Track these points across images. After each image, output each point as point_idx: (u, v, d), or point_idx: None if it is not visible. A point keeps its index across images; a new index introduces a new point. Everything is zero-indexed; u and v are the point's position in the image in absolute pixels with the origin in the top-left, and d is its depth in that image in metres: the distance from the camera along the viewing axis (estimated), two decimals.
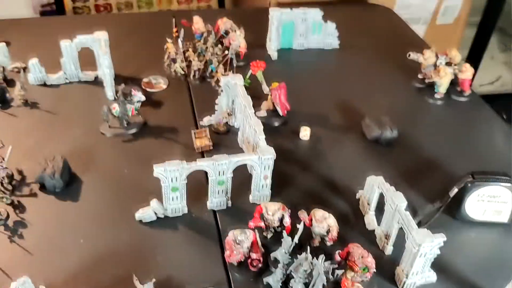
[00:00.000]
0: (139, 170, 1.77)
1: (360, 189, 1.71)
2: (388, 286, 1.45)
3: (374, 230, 1.60)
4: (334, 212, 1.55)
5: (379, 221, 1.59)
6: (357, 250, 1.38)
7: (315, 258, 1.34)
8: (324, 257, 1.32)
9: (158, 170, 1.50)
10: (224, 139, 1.95)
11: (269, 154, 1.58)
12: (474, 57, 4.00)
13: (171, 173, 1.51)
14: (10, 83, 2.16)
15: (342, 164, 1.88)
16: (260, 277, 1.44)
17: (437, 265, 1.47)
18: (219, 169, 1.56)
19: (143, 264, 1.47)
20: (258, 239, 1.45)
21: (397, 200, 1.44)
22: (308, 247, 1.39)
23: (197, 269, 1.46)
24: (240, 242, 1.41)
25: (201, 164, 1.54)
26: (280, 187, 1.73)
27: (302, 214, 1.48)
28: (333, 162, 1.89)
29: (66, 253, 1.49)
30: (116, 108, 1.90)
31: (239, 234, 1.41)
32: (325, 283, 1.33)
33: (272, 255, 1.46)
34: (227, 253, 1.42)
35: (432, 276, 1.45)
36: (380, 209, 1.60)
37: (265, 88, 2.09)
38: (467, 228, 1.65)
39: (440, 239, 1.34)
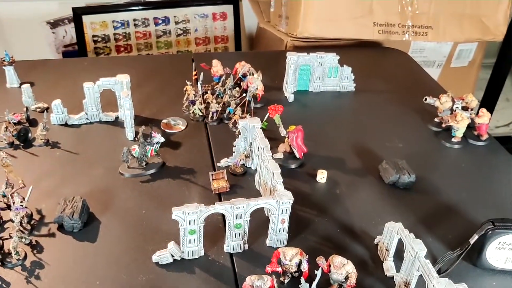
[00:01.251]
0: (156, 212, 1.78)
1: (378, 235, 1.69)
2: None
3: (393, 277, 1.57)
4: (352, 258, 1.53)
5: (398, 268, 1.57)
6: None
7: None
8: None
9: (177, 213, 1.51)
10: (241, 181, 1.95)
11: (287, 198, 1.58)
12: (489, 99, 4.01)
13: (189, 216, 1.52)
14: (33, 123, 2.22)
15: (359, 208, 1.87)
16: None
17: None
18: (237, 212, 1.56)
19: None
20: (276, 285, 1.43)
21: (417, 248, 1.42)
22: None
23: None
24: (257, 287, 1.39)
25: (219, 207, 1.54)
26: (297, 230, 1.72)
27: (320, 260, 1.47)
28: (350, 206, 1.88)
29: None
30: (136, 149, 1.93)
31: (257, 279, 1.39)
32: None
33: None
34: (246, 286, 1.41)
35: None
36: (399, 255, 1.58)
37: (282, 131, 2.11)
38: (488, 276, 1.62)
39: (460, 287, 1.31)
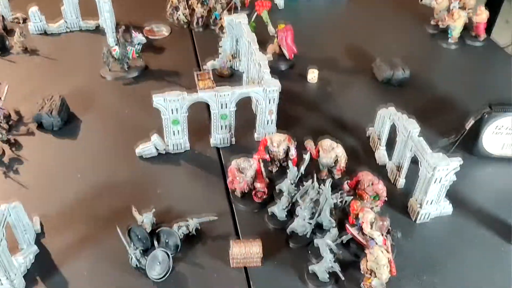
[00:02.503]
0: (140, 111, 1.71)
1: (370, 127, 1.63)
2: (400, 218, 1.38)
3: (385, 165, 1.52)
4: (345, 150, 1.48)
5: (390, 157, 1.51)
6: (367, 177, 1.31)
7: (322, 184, 1.27)
8: (331, 181, 1.25)
9: (158, 100, 1.44)
10: (228, 83, 1.86)
11: (274, 86, 1.50)
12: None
13: (171, 104, 1.44)
14: (11, 33, 2.10)
15: (351, 105, 1.79)
16: (264, 208, 1.37)
17: (453, 198, 1.40)
18: (222, 101, 1.48)
19: (142, 197, 1.40)
20: (263, 168, 1.38)
21: (410, 127, 1.36)
22: (315, 175, 1.31)
23: (199, 201, 1.40)
24: (243, 170, 1.33)
25: (203, 95, 1.47)
26: (287, 127, 1.65)
27: (309, 144, 1.41)
28: (343, 103, 1.81)
29: (62, 187, 1.43)
30: (116, 49, 1.84)
31: (242, 162, 1.33)
32: (333, 208, 1.26)
33: (278, 186, 1.39)
34: (229, 179, 1.35)
35: (448, 208, 1.37)
36: (390, 146, 1.52)
37: (271, 30, 2.01)
38: (484, 164, 1.56)
39: (456, 162, 1.26)
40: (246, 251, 1.20)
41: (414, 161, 1.39)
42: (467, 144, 1.56)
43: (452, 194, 1.38)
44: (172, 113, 1.46)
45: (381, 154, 1.53)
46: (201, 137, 1.60)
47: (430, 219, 1.36)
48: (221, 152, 1.57)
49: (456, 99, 1.83)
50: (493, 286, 1.22)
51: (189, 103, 1.46)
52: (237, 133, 1.60)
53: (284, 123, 1.64)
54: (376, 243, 1.19)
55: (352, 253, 1.27)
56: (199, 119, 1.65)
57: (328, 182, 1.24)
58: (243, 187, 1.35)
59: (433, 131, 1.66)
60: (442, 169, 1.24)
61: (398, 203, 1.41)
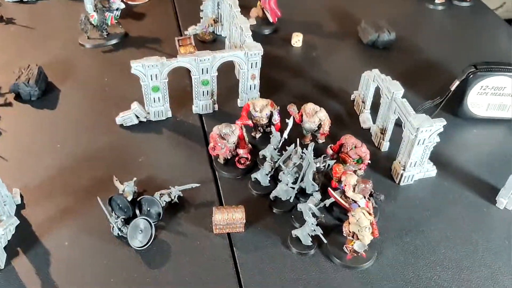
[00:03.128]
0: (120, 79, 1.67)
1: (355, 91, 1.61)
2: (384, 181, 1.37)
3: (369, 129, 1.51)
4: (329, 114, 1.46)
5: (374, 120, 1.49)
6: (349, 140, 1.29)
7: (305, 149, 1.26)
8: (314, 145, 1.23)
9: (136, 66, 1.40)
10: (211, 48, 1.82)
11: (256, 50, 1.47)
12: None
13: (150, 70, 1.40)
14: None
15: (336, 69, 1.77)
16: (248, 175, 1.36)
17: (437, 161, 1.39)
18: (202, 66, 1.45)
19: (124, 166, 1.38)
20: (245, 133, 1.36)
21: (393, 88, 1.34)
22: (298, 140, 1.30)
23: (182, 169, 1.38)
24: (225, 135, 1.31)
25: (182, 60, 1.43)
26: (270, 92, 1.63)
27: (292, 108, 1.39)
28: (327, 67, 1.78)
29: (41, 158, 1.40)
30: (94, 16, 1.78)
31: (224, 128, 1.31)
32: (316, 172, 1.25)
33: (261, 152, 1.37)
34: (210, 145, 1.33)
35: (431, 170, 1.37)
36: (375, 109, 1.51)
37: None
38: (469, 125, 1.56)
39: (439, 123, 1.24)
40: (229, 217, 1.19)
41: (398, 124, 1.38)
42: (452, 106, 1.55)
43: (436, 156, 1.38)
44: (152, 79, 1.43)
45: (365, 118, 1.52)
46: (183, 104, 1.57)
47: (414, 182, 1.36)
48: (203, 119, 1.54)
49: (442, 61, 1.81)
50: (476, 246, 1.22)
51: (168, 69, 1.43)
52: (220, 100, 1.58)
53: (267, 88, 1.61)
54: (359, 206, 1.18)
55: (335, 217, 1.27)
56: (181, 85, 1.62)
57: (311, 146, 1.22)
58: (225, 154, 1.33)
59: (418, 94, 1.64)
60: (425, 130, 1.23)
61: (382, 166, 1.40)
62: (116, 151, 1.43)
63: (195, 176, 1.35)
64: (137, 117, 1.49)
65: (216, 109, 1.56)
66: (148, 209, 1.24)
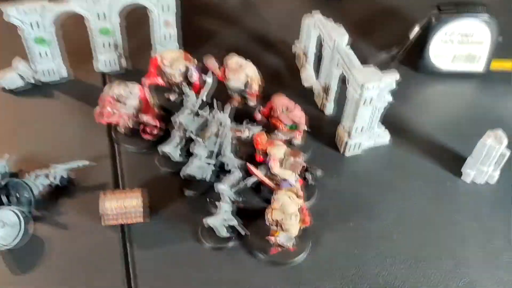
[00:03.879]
0: None
1: (297, 42, 1.33)
2: (327, 151, 1.11)
3: (312, 88, 1.24)
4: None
5: (318, 76, 1.23)
6: (280, 101, 1.02)
7: (221, 112, 0.98)
8: (230, 108, 0.95)
9: (11, 12, 1.08)
10: None
11: None
12: None
13: (29, 17, 1.09)
14: None
15: (279, 19, 1.47)
16: (156, 146, 1.08)
17: (392, 125, 1.14)
18: (99, 10, 1.14)
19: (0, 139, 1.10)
20: (149, 94, 1.07)
21: (335, 34, 1.06)
22: (216, 101, 1.02)
23: (73, 143, 1.10)
24: (120, 98, 1.02)
25: (73, 4, 1.12)
26: (196, 45, 1.33)
27: (209, 62, 1.10)
28: (268, 16, 1.48)
29: None
30: None
31: (117, 87, 1.02)
32: (237, 143, 0.98)
33: (173, 118, 1.09)
34: (97, 110, 1.04)
35: (384, 136, 1.11)
36: (319, 64, 1.23)
37: None
38: (432, 81, 1.30)
39: (391, 77, 0.98)
40: (120, 205, 0.92)
41: (345, 81, 1.11)
42: (412, 58, 1.29)
43: (390, 120, 1.13)
44: (33, 28, 1.12)
45: (307, 74, 1.24)
46: (83, 60, 1.28)
47: (362, 151, 1.11)
48: (107, 80, 1.25)
49: (401, 5, 1.53)
50: (437, 231, 0.99)
51: (55, 15, 1.12)
52: (133, 56, 1.28)
53: (192, 40, 1.32)
54: (291, 185, 0.93)
55: (264, 199, 1.01)
56: (81, 37, 1.30)
57: (227, 109, 0.95)
58: (122, 121, 1.05)
59: (372, 44, 1.37)
60: (371, 87, 0.96)
61: (326, 133, 1.15)
62: None
63: (89, 151, 1.07)
64: (22, 77, 1.19)
65: (126, 65, 1.27)
66: (18, 195, 0.96)
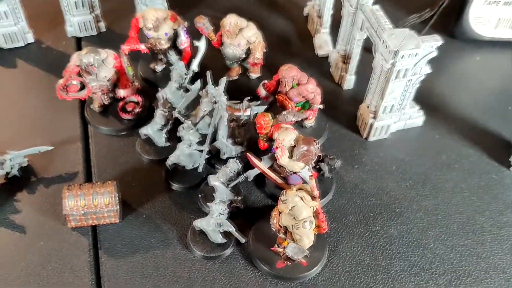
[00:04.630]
0: None
1: (309, 2, 1.12)
2: (345, 135, 0.92)
3: (327, 57, 1.03)
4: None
5: (335, 43, 1.02)
6: (289, 73, 0.82)
7: (215, 87, 0.78)
8: (227, 81, 0.75)
9: None
10: None
11: None
12: None
13: None
14: None
15: None
16: (137, 128, 0.89)
17: (424, 104, 0.95)
18: None
19: None
20: (127, 65, 0.87)
21: None
22: (209, 74, 0.82)
23: (36, 123, 0.91)
24: (88, 67, 0.82)
25: None
26: (186, 4, 1.14)
27: (201, 22, 0.89)
28: None
29: None
30: None
31: (86, 55, 0.81)
32: (234, 125, 0.78)
33: (160, 94, 0.90)
34: (59, 83, 0.84)
35: (417, 117, 0.91)
36: (337, 28, 1.03)
37: None
38: (471, 51, 1.11)
39: (432, 43, 0.77)
40: (88, 203, 0.74)
41: (368, 49, 0.91)
42: (447, 22, 1.09)
43: (423, 98, 0.92)
44: None
45: (322, 40, 1.04)
46: (53, 23, 1.08)
47: (390, 135, 0.91)
48: (82, 45, 1.05)
49: None
50: (481, 234, 0.80)
51: None
52: (109, 16, 1.09)
53: None
54: (302, 180, 0.74)
55: (268, 194, 0.83)
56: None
57: (223, 83, 0.74)
58: (84, 97, 0.85)
59: (399, 7, 1.16)
60: (408, 55, 0.76)
61: (344, 113, 0.96)
62: None
63: (56, 133, 0.89)
64: None
65: (104, 29, 1.07)
66: None
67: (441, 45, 0.85)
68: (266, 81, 0.88)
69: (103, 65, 0.83)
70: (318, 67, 1.03)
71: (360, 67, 0.98)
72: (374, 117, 0.87)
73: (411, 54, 0.76)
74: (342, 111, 0.96)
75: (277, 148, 0.73)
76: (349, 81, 0.98)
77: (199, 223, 0.76)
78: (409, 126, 0.93)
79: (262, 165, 0.73)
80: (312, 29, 1.09)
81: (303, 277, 0.74)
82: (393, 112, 0.86)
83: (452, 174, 0.89)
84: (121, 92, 0.87)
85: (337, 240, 0.78)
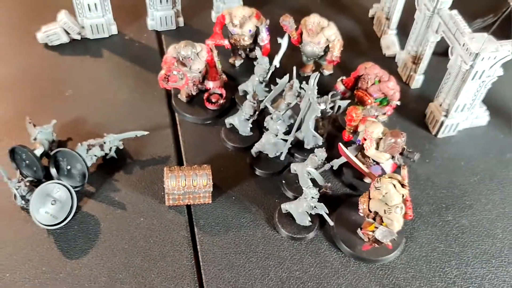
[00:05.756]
0: None
1: (375, 4, 1.17)
2: (415, 131, 0.97)
3: (394, 57, 1.09)
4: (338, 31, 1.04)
5: (402, 45, 1.07)
6: (372, 70, 0.88)
7: (304, 82, 0.84)
8: (318, 76, 0.81)
9: None
10: None
11: None
12: None
13: None
14: None
15: None
16: (221, 119, 0.95)
17: (489, 104, 0.99)
18: None
19: (43, 102, 0.98)
20: (218, 58, 0.93)
21: None
22: (295, 69, 0.88)
23: (126, 110, 0.97)
24: (185, 60, 0.89)
25: None
26: (260, 2, 1.18)
27: (286, 20, 0.95)
28: None
29: None
30: None
31: (184, 47, 0.88)
32: (320, 117, 0.84)
33: (241, 87, 0.96)
34: (161, 73, 0.90)
35: (482, 116, 0.97)
36: (403, 30, 1.08)
37: None
38: None
39: (510, 47, 0.83)
40: (188, 184, 0.80)
41: (435, 52, 0.97)
42: (507, 27, 1.12)
43: (489, 98, 0.97)
44: None
45: (389, 41, 1.09)
46: (134, 16, 1.15)
47: (457, 133, 0.97)
48: (162, 38, 1.12)
49: None
50: None
51: None
52: (187, 11, 1.15)
53: None
54: (382, 171, 0.79)
55: (346, 183, 0.89)
56: None
57: (314, 78, 0.80)
58: (188, 88, 0.91)
59: (464, 11, 1.20)
60: (488, 57, 0.81)
61: (413, 110, 1.01)
62: (34, 81, 1.02)
63: (146, 119, 0.96)
64: (67, 33, 1.06)
65: (182, 24, 1.13)
66: (68, 167, 0.84)
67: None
68: (344, 77, 0.95)
69: (197, 58, 0.90)
70: (385, 66, 1.06)
71: (427, 68, 1.04)
72: (446, 115, 0.93)
73: (490, 57, 0.82)
74: (411, 108, 1.01)
75: (365, 139, 0.79)
76: (417, 81, 1.03)
77: (287, 206, 0.82)
78: (474, 125, 0.98)
79: (352, 154, 0.79)
80: (378, 30, 1.14)
81: (383, 259, 0.80)
82: (465, 111, 0.92)
83: None
84: (210, 84, 0.94)
85: (413, 228, 0.84)
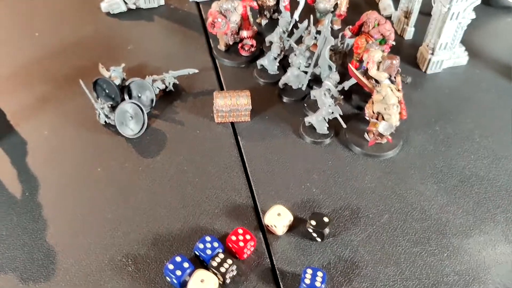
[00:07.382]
0: None
1: None
2: (409, 69, 1.20)
3: (390, 16, 1.33)
4: None
5: (396, 7, 1.31)
6: (372, 15, 1.11)
7: (320, 25, 1.08)
8: (331, 16, 1.05)
9: None
10: None
11: None
12: None
13: None
14: None
15: None
16: (252, 63, 1.19)
17: (468, 50, 1.22)
18: None
19: (111, 55, 1.21)
20: (250, 13, 1.18)
21: None
22: (312, 17, 1.12)
23: (177, 57, 1.21)
24: (225, 12, 1.13)
25: None
26: None
27: None
28: None
29: (17, 47, 1.23)
30: None
31: (225, 2, 1.13)
32: (333, 49, 1.08)
33: (268, 38, 1.20)
34: (209, 21, 1.15)
35: (462, 56, 1.20)
36: None
37: None
38: (503, 15, 1.37)
39: None
40: (233, 103, 1.03)
41: (422, 12, 1.22)
42: None
43: (467, 45, 1.21)
44: None
45: (385, 4, 1.33)
46: None
47: (442, 70, 1.20)
48: (201, 8, 1.36)
49: None
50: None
51: None
52: None
53: None
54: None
55: (355, 106, 1.12)
56: None
57: (328, 19, 1.04)
58: (228, 35, 1.16)
59: None
60: (461, 0, 1.05)
61: (406, 54, 1.23)
62: (102, 40, 1.26)
63: (193, 64, 1.18)
64: (125, 3, 1.31)
65: None
66: (139, 95, 1.08)
67: (479, 11, 1.14)
68: (350, 26, 1.19)
69: (235, 11, 1.14)
70: None
71: (417, 23, 1.28)
72: (432, 53, 1.16)
73: (463, 0, 1.05)
74: (405, 54, 1.23)
75: (368, 63, 1.03)
76: (409, 32, 1.26)
77: (309, 118, 1.05)
78: (457, 64, 1.22)
79: (359, 73, 1.02)
80: None
81: (385, 155, 1.02)
82: (447, 49, 1.15)
83: (490, 95, 1.16)
84: (244, 33, 1.17)
85: (409, 135, 1.06)
